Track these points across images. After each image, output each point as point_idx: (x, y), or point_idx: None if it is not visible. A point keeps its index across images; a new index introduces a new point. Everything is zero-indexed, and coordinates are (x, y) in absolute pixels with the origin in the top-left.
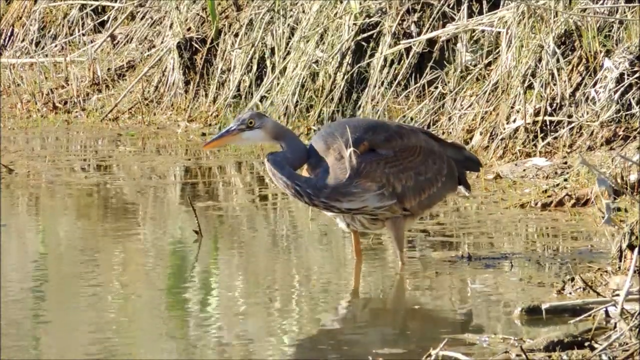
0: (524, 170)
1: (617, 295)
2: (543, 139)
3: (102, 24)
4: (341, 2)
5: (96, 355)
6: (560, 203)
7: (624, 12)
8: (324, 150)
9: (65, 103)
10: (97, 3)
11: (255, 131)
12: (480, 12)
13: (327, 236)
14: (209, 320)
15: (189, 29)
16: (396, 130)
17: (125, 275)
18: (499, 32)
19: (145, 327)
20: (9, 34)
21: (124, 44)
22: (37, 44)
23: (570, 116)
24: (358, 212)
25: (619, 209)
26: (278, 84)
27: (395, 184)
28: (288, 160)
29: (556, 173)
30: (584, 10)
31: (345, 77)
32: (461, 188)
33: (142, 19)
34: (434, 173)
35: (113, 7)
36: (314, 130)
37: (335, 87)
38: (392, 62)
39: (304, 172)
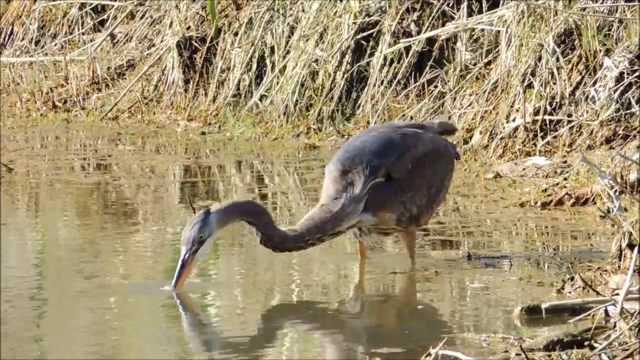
0: (524, 169)
1: (617, 294)
2: (543, 138)
3: (102, 22)
4: (341, 1)
5: (96, 355)
6: (560, 202)
7: (624, 11)
8: (340, 173)
9: (65, 102)
10: (96, 2)
11: (207, 241)
12: (480, 11)
13: None
14: (208, 319)
15: (188, 28)
16: (403, 144)
17: (124, 274)
18: (499, 31)
19: (144, 326)
20: (8, 32)
21: (124, 43)
22: (36, 43)
23: (570, 115)
24: (355, 226)
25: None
26: (278, 82)
27: (412, 208)
28: (271, 226)
29: (556, 172)
30: (584, 9)
31: (345, 76)
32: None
33: (141, 17)
34: (441, 178)
35: (113, 6)
36: (314, 130)
37: (335, 86)
38: (392, 61)
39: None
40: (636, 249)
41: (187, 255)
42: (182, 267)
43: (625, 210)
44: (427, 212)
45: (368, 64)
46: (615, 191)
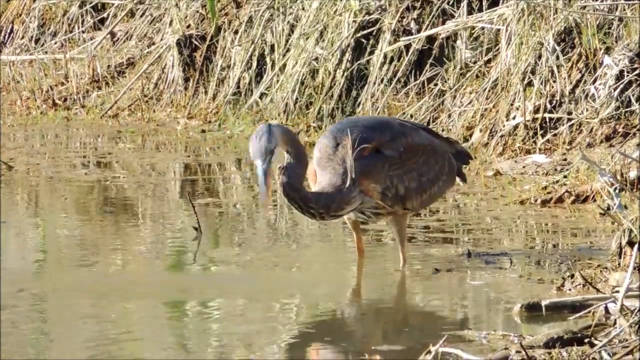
0: (524, 167)
1: (617, 291)
2: (543, 135)
3: (102, 21)
4: (341, 0)
5: (96, 355)
6: (560, 200)
7: (624, 10)
8: (332, 148)
9: (65, 100)
10: (96, 0)
11: (275, 152)
12: (480, 9)
13: (327, 233)
14: (208, 317)
15: (188, 26)
16: (400, 130)
17: (124, 272)
18: (499, 29)
19: (144, 325)
20: (8, 31)
21: (124, 41)
22: (36, 41)
23: (569, 113)
24: (357, 209)
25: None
26: (278, 81)
27: (399, 186)
28: (298, 177)
29: (556, 170)
30: (584, 7)
31: (345, 74)
32: (457, 180)
33: (141, 16)
34: (435, 173)
35: (113, 4)
36: (314, 127)
37: (334, 84)
38: (392, 59)
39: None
40: (636, 246)
41: (265, 166)
42: (266, 176)
43: (626, 207)
44: (416, 198)
45: (368, 62)
46: (615, 189)
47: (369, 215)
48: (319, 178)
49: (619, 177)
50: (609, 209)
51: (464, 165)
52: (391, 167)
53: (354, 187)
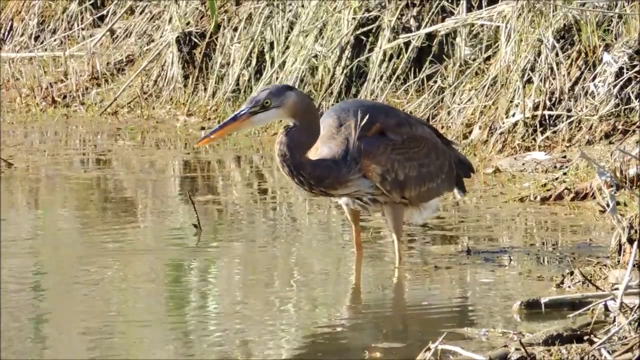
0: (523, 164)
1: (616, 289)
2: (542, 133)
3: (101, 18)
4: None
5: (95, 354)
6: (560, 197)
7: (623, 7)
8: (336, 127)
9: (65, 97)
10: None
11: (270, 111)
12: (480, 7)
13: (326, 230)
14: (208, 316)
15: (188, 23)
16: (406, 118)
17: (124, 270)
18: (498, 27)
19: (143, 323)
20: (8, 28)
21: (123, 38)
22: (36, 39)
23: (569, 110)
24: (353, 196)
25: (618, 203)
26: (277, 78)
27: (399, 172)
28: (300, 145)
29: (555, 167)
30: (583, 4)
31: (345, 71)
32: (455, 190)
33: (141, 13)
34: (435, 168)
35: (112, 1)
36: None
37: (334, 81)
38: (391, 56)
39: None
40: (635, 243)
41: (243, 112)
42: (232, 120)
43: (625, 205)
44: (415, 187)
45: (367, 59)
46: (612, 192)
47: (367, 202)
48: (320, 150)
49: (618, 175)
50: (609, 205)
51: (465, 178)
52: (394, 150)
53: (355, 168)
